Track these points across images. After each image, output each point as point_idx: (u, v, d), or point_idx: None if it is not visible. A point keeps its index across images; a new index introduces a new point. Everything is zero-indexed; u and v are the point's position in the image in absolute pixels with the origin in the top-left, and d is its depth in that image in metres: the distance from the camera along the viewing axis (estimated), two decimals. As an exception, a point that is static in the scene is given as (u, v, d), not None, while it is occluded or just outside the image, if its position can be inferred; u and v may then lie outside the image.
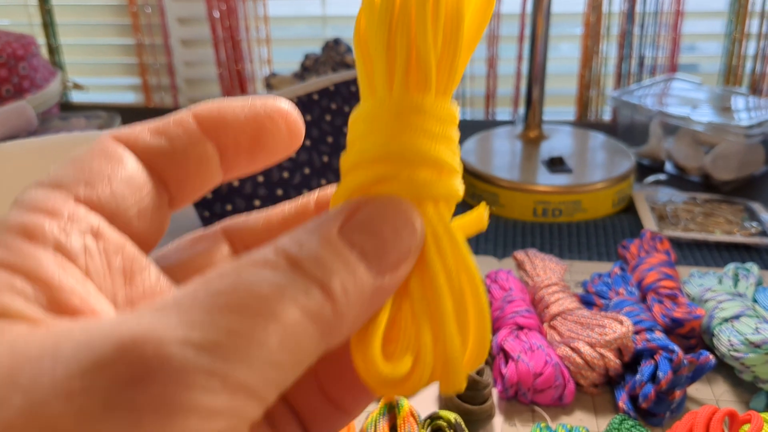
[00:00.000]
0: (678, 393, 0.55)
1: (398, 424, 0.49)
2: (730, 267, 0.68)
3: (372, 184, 0.20)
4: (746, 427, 0.48)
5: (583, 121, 1.28)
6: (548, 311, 0.63)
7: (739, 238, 0.80)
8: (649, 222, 0.84)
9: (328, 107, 0.83)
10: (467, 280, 0.21)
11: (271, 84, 1.13)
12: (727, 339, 0.58)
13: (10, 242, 0.17)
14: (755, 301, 0.63)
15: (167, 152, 0.21)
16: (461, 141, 1.00)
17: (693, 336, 0.62)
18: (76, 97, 1.43)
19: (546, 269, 0.68)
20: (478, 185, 0.90)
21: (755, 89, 1.23)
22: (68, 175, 0.19)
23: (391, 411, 0.51)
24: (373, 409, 0.52)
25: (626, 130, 1.07)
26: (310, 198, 0.25)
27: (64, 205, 0.18)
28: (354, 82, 0.86)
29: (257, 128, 0.22)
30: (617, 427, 0.49)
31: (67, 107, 1.34)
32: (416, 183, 0.20)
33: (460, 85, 1.30)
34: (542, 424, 0.50)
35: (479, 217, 0.23)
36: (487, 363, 0.59)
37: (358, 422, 0.52)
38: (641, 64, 1.25)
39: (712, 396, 0.58)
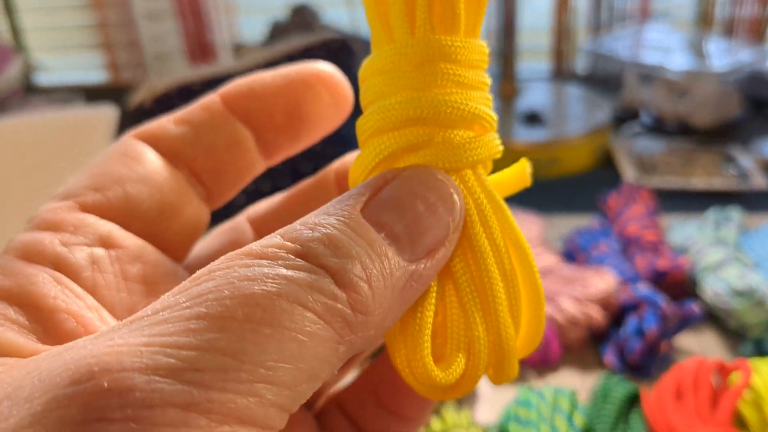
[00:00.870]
0: (665, 345, 0.54)
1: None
2: (710, 214, 0.67)
3: (400, 152, 0.17)
4: (735, 375, 0.48)
5: (558, 75, 1.26)
6: (530, 270, 0.62)
7: (718, 184, 0.79)
8: (628, 173, 0.83)
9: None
10: (518, 255, 0.18)
11: (240, 55, 1.10)
12: (711, 287, 0.57)
13: (9, 265, 0.16)
14: (738, 247, 0.62)
15: (193, 141, 0.19)
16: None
17: (677, 286, 0.61)
18: (42, 79, 1.39)
19: (522, 226, 0.67)
20: (454, 146, 0.88)
21: (729, 32, 1.21)
22: (79, 184, 0.18)
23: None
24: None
25: (601, 81, 1.06)
26: (329, 170, 0.21)
27: (69, 215, 0.17)
28: (320, 47, 0.83)
29: (293, 99, 0.19)
30: (604, 385, 0.48)
31: (32, 90, 1.30)
32: (454, 147, 0.17)
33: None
34: (526, 385, 0.49)
35: (521, 173, 0.19)
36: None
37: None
38: (613, 13, 1.23)
39: (699, 347, 0.57)
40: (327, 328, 0.14)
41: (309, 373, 0.14)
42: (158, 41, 1.36)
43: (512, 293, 0.17)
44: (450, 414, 0.47)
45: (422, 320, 0.16)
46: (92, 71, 1.43)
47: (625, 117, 1.00)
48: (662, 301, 0.54)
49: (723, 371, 0.49)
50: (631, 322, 0.54)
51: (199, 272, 0.14)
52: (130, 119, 0.76)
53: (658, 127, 0.96)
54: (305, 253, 0.14)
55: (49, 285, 0.16)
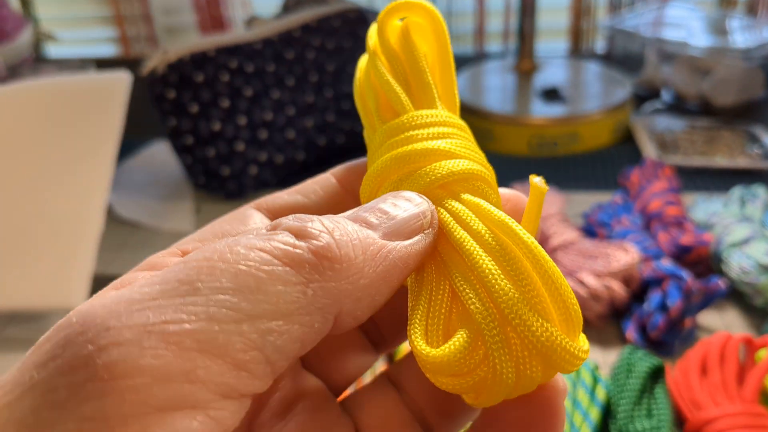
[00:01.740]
0: (688, 321, 0.53)
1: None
2: (736, 191, 0.66)
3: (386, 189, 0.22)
4: (762, 351, 0.46)
5: (576, 54, 1.24)
6: (548, 244, 0.60)
7: (742, 162, 0.78)
8: (649, 151, 0.81)
9: (310, 44, 0.79)
10: (524, 252, 0.19)
11: (253, 26, 1.08)
12: (737, 264, 0.55)
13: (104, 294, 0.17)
14: (763, 224, 0.60)
15: (304, 206, 0.22)
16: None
17: (700, 263, 0.59)
18: (53, 51, 1.38)
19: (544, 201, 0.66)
20: (471, 120, 0.87)
21: (752, 11, 1.19)
22: (189, 238, 0.20)
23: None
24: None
25: (621, 60, 1.04)
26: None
27: (167, 259, 0.19)
28: (337, 16, 0.82)
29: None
30: (627, 359, 0.47)
31: (42, 62, 1.29)
32: (419, 176, 0.21)
33: (448, 22, 1.26)
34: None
35: (534, 188, 0.21)
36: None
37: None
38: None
39: (722, 324, 0.56)
40: (286, 269, 0.15)
41: (276, 311, 0.15)
42: (170, 14, 1.34)
43: (523, 278, 0.19)
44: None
45: (414, 306, 0.19)
46: (103, 45, 1.41)
47: (645, 96, 0.98)
48: (687, 276, 0.53)
49: (750, 347, 0.47)
50: (654, 297, 0.53)
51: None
52: (142, 86, 0.74)
53: (679, 106, 0.94)
54: (275, 225, 0.17)
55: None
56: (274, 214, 0.22)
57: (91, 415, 0.13)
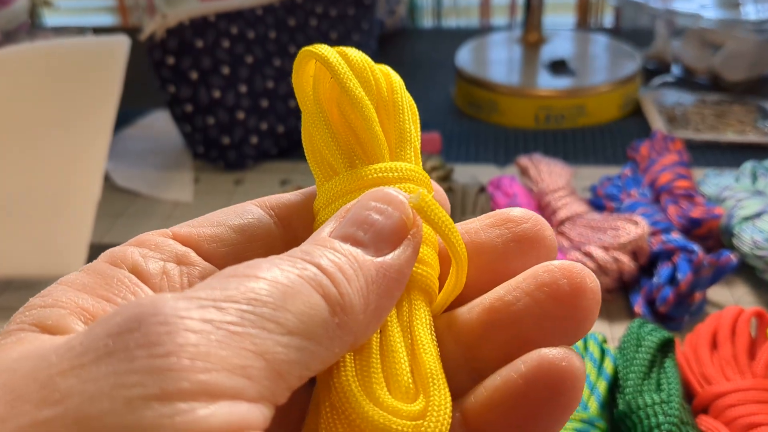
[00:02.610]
0: (698, 295, 0.52)
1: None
2: (748, 165, 0.64)
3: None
4: (775, 326, 0.45)
5: (585, 28, 1.22)
6: (556, 217, 0.59)
7: (752, 137, 0.76)
8: (658, 125, 0.79)
9: (313, 11, 0.77)
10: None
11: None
12: (749, 238, 0.54)
13: (94, 266, 0.20)
14: (776, 199, 0.59)
15: (303, 205, 0.23)
16: (455, 48, 0.95)
17: (710, 237, 0.58)
18: (50, 20, 1.36)
19: (551, 174, 0.64)
20: (476, 92, 0.85)
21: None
22: (189, 223, 0.22)
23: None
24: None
25: (630, 34, 1.02)
26: None
27: (156, 238, 0.21)
28: (341, -17, 0.80)
29: None
30: (636, 332, 0.46)
31: (39, 30, 1.27)
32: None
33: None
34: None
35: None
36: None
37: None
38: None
39: (732, 299, 0.55)
40: (320, 298, 0.17)
41: (310, 332, 0.16)
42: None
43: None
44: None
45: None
46: (101, 14, 1.39)
47: (654, 70, 0.96)
48: (697, 249, 0.52)
49: (762, 321, 0.46)
50: (664, 271, 0.52)
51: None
52: (141, 55, 0.73)
53: (689, 80, 0.92)
54: (289, 254, 0.18)
55: (120, 282, 0.19)
56: (276, 211, 0.23)
57: (164, 385, 0.14)
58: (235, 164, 0.75)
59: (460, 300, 0.22)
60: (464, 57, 0.91)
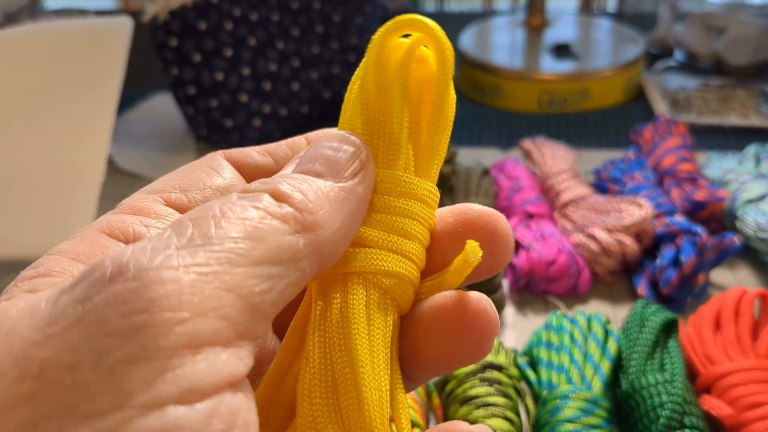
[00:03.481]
0: (701, 278, 0.52)
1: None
2: (751, 149, 0.64)
3: None
4: (778, 307, 0.45)
5: (588, 13, 1.22)
6: (559, 199, 0.59)
7: (755, 121, 0.76)
8: (661, 109, 0.79)
9: (317, -7, 0.77)
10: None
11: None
12: (753, 220, 0.54)
13: (89, 235, 0.19)
14: (779, 182, 0.59)
15: (272, 169, 0.22)
16: (458, 32, 0.94)
17: (713, 220, 0.58)
18: (51, 4, 1.36)
19: (555, 157, 0.64)
20: (479, 76, 0.85)
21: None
22: (166, 183, 0.21)
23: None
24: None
25: (633, 19, 1.01)
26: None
27: (153, 205, 0.20)
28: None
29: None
30: (640, 312, 0.46)
31: (40, 13, 1.27)
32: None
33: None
34: (558, 312, 0.47)
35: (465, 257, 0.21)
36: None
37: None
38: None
39: (735, 281, 0.55)
40: (280, 223, 0.17)
41: (278, 258, 0.16)
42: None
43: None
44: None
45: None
46: (103, -2, 1.39)
47: (657, 54, 0.96)
48: (701, 231, 0.52)
49: (765, 302, 0.46)
50: (667, 253, 0.52)
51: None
52: (143, 39, 0.72)
53: (692, 65, 0.92)
54: (250, 190, 0.18)
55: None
56: (242, 171, 0.23)
57: (143, 345, 0.14)
58: (237, 147, 0.75)
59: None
60: (467, 41, 0.91)
